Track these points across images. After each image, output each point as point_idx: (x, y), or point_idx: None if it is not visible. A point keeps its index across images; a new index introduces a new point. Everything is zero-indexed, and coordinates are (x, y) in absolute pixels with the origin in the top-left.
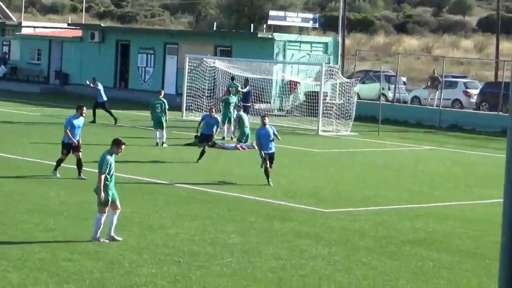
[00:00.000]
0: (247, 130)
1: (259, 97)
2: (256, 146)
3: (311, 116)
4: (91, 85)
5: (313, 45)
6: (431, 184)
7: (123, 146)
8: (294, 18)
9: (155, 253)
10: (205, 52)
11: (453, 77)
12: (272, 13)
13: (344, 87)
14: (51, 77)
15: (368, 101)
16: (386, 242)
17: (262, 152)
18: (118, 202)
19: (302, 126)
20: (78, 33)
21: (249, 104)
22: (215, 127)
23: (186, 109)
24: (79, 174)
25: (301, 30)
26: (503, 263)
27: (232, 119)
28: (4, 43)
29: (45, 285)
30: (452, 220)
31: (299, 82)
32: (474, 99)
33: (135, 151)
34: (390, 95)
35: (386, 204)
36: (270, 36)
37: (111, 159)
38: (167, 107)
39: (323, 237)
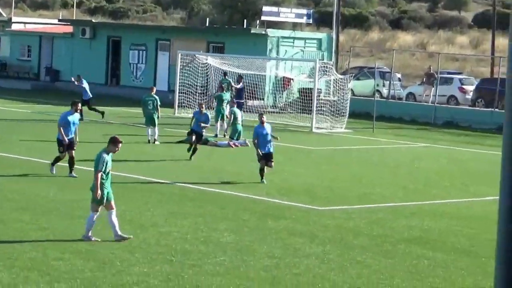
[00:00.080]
0: (239, 127)
1: (252, 94)
2: (248, 144)
3: (305, 113)
4: (76, 82)
5: (307, 41)
6: (426, 182)
7: (120, 145)
8: (287, 14)
9: (147, 252)
10: (198, 48)
11: (449, 73)
12: (265, 8)
13: (338, 83)
14: (42, 74)
15: (363, 97)
16: (381, 240)
17: (259, 151)
18: (113, 202)
19: (295, 123)
20: (69, 29)
21: (242, 101)
22: (202, 124)
23: (178, 106)
24: (70, 172)
25: (294, 26)
26: (499, 261)
27: (225, 116)
28: None
29: (36, 285)
30: (448, 218)
31: (292, 79)
32: (469, 96)
33: (127, 149)
34: (384, 91)
35: (381, 202)
36: (264, 32)
37: (107, 157)
38: (159, 104)
39: (317, 235)
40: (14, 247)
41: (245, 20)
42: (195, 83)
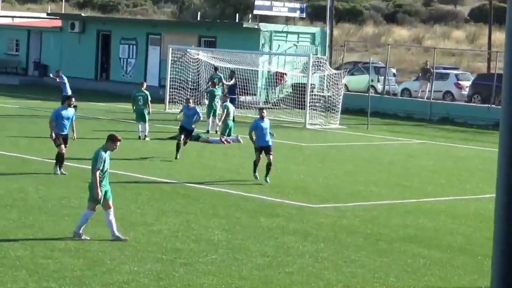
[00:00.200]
0: (231, 123)
1: (244, 89)
2: (241, 140)
3: (298, 108)
4: (57, 79)
5: (300, 35)
6: (422, 179)
7: (118, 143)
8: (280, 8)
9: (138, 250)
10: (189, 42)
11: (444, 68)
12: (258, 2)
13: (332, 79)
14: (30, 69)
15: (357, 93)
16: (375, 238)
17: (256, 144)
18: (110, 201)
19: (289, 118)
20: (58, 23)
21: (235, 97)
22: (194, 118)
23: (169, 102)
24: (60, 169)
25: (287, 20)
26: (496, 260)
27: (217, 112)
28: None
29: (24, 283)
30: (444, 216)
31: (285, 74)
32: (466, 91)
33: None
34: (379, 87)
35: (376, 199)
36: (256, 27)
37: (105, 155)
38: (149, 99)
39: (310, 234)
40: (1, 246)
41: (237, 14)
42: (187, 78)
